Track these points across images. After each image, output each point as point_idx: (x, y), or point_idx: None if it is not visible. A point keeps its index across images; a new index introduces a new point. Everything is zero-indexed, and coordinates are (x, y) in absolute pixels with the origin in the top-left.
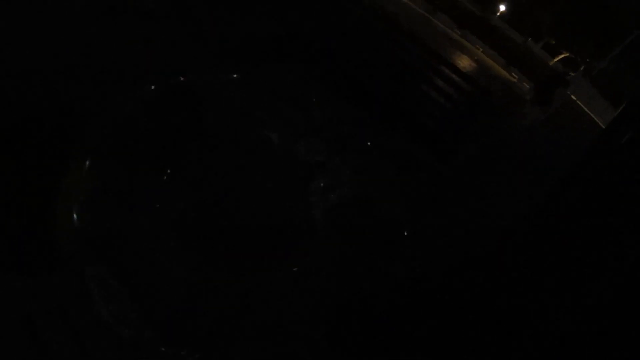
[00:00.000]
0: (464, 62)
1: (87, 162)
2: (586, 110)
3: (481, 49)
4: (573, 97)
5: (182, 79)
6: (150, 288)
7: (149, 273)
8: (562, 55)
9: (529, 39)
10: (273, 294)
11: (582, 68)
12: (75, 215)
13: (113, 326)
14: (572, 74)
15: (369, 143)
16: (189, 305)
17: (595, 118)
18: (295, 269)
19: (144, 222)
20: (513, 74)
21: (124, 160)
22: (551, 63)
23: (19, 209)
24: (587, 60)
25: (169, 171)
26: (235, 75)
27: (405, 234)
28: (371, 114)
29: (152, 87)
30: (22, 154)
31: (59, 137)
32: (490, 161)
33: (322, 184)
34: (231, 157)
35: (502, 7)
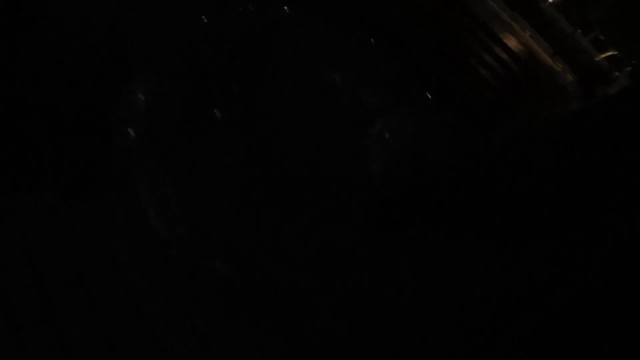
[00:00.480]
0: (512, 44)
1: (149, 76)
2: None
3: (529, 33)
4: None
5: (240, 9)
6: (201, 207)
7: (200, 191)
8: (610, 53)
9: (579, 31)
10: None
11: (628, 69)
12: (130, 130)
13: (164, 237)
14: (617, 74)
15: (429, 96)
16: (234, 226)
17: None
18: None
19: (201, 142)
20: (558, 63)
21: (185, 80)
22: (597, 59)
23: (78, 121)
24: (634, 62)
25: (227, 101)
26: (290, 11)
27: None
28: (423, 82)
29: (205, 19)
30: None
31: (119, 57)
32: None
33: (380, 129)
34: (293, 96)
35: None
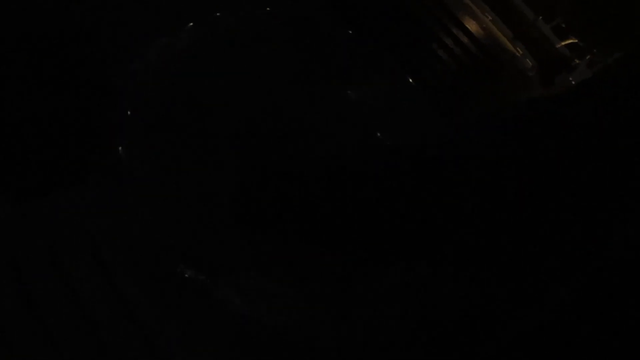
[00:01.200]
0: (473, 27)
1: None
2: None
3: (490, 17)
4: (574, 83)
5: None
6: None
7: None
8: (570, 41)
9: (540, 17)
10: None
11: (587, 57)
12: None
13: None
14: (577, 61)
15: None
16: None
17: None
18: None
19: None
20: (518, 48)
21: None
22: (558, 46)
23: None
24: (594, 51)
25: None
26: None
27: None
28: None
29: (190, 24)
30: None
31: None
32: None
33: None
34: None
35: None
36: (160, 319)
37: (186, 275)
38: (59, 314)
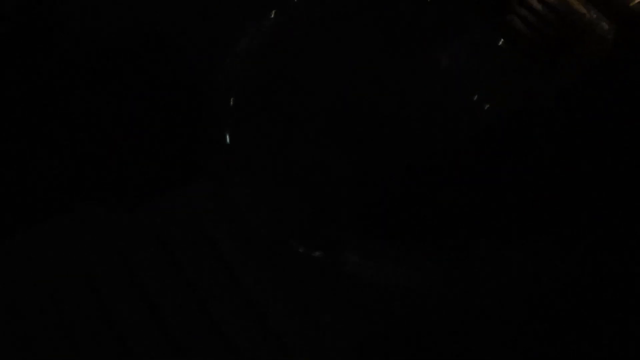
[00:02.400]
0: None
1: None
2: None
3: None
4: None
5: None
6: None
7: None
8: None
9: None
10: None
11: None
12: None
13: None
14: None
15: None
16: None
17: None
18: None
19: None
20: (592, 12)
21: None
22: (632, 4)
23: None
24: None
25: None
26: None
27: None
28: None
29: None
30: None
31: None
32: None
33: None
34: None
35: None
36: (286, 303)
37: (315, 254)
38: (182, 314)
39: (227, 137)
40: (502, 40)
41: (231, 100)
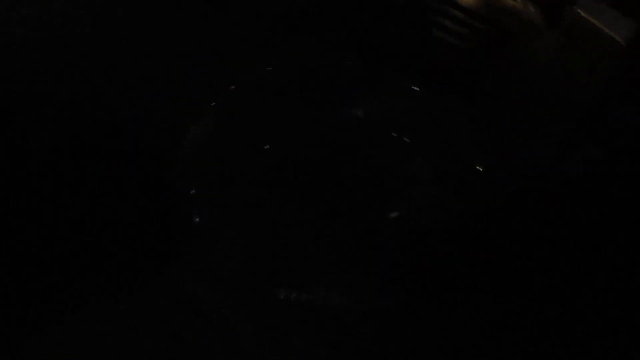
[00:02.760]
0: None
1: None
2: (599, 26)
3: None
4: (582, 13)
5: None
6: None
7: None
8: None
9: None
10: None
11: None
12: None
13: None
14: None
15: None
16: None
17: (611, 34)
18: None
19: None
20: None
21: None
22: None
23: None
24: None
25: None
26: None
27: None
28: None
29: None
30: None
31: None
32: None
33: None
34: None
35: None
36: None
37: (282, 297)
38: None
39: (196, 218)
40: (416, 87)
41: (192, 182)
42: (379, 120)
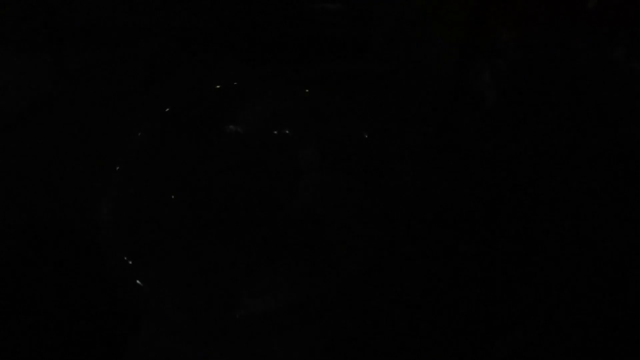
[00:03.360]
0: None
1: None
2: None
3: None
4: None
5: None
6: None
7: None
8: None
9: None
10: None
11: None
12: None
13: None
14: None
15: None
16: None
17: None
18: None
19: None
20: None
21: None
22: None
23: None
24: None
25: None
26: None
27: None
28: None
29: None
30: None
31: None
32: None
33: None
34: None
35: None
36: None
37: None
38: None
39: (139, 282)
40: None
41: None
42: (262, 123)
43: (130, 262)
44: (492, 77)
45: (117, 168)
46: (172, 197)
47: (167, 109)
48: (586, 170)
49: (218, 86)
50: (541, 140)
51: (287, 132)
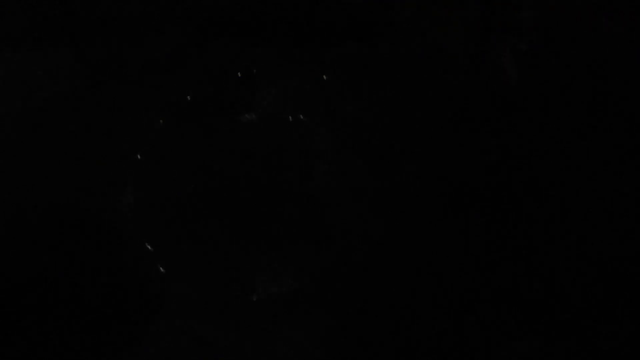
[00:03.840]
0: None
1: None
2: None
3: None
4: None
5: None
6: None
7: None
8: None
9: None
10: None
11: None
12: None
13: None
14: None
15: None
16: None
17: None
18: None
19: None
20: None
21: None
22: None
23: None
24: None
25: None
26: None
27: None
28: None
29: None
30: None
31: None
32: None
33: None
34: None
35: None
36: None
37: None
38: None
39: (160, 268)
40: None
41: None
42: (278, 109)
43: (151, 248)
44: (514, 57)
45: (138, 157)
46: (192, 185)
47: (188, 97)
48: (609, 156)
49: (239, 73)
50: (560, 129)
51: (302, 117)
